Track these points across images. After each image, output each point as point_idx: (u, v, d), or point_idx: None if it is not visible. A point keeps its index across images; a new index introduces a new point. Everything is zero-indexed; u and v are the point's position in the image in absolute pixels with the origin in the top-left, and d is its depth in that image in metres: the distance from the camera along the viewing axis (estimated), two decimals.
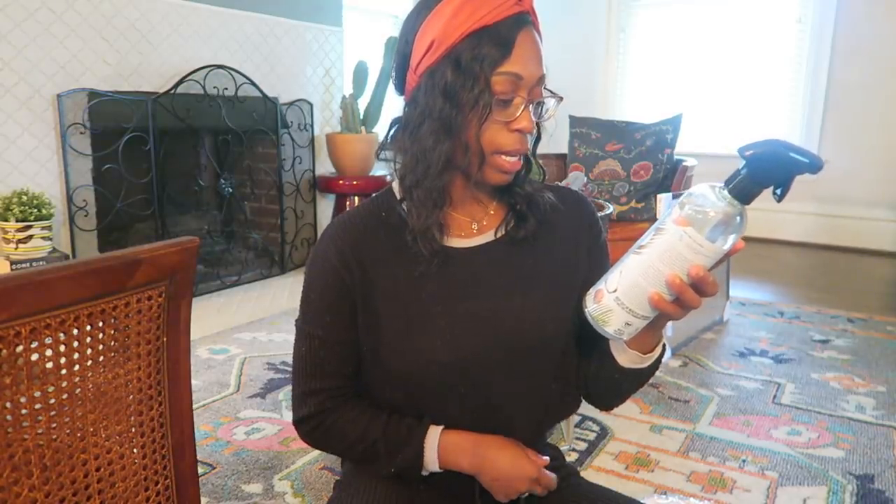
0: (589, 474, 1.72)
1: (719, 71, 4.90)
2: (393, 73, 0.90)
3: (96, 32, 2.80)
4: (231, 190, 3.49)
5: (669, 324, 0.84)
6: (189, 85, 3.09)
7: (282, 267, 3.71)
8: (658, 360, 0.87)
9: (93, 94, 2.77)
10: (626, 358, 0.85)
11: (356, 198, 3.82)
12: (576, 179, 2.79)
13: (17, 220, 2.49)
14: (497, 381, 0.87)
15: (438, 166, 0.83)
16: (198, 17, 3.19)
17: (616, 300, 0.73)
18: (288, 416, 2.04)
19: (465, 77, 0.79)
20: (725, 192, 0.68)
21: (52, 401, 0.65)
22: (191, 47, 3.16)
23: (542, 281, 0.90)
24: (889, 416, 2.08)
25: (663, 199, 2.52)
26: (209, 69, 3.16)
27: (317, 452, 1.82)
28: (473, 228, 0.91)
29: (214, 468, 1.74)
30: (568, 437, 1.87)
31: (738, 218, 0.68)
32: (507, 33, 0.79)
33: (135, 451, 0.75)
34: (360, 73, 3.81)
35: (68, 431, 0.67)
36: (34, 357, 0.62)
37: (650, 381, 0.92)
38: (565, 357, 0.92)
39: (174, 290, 0.75)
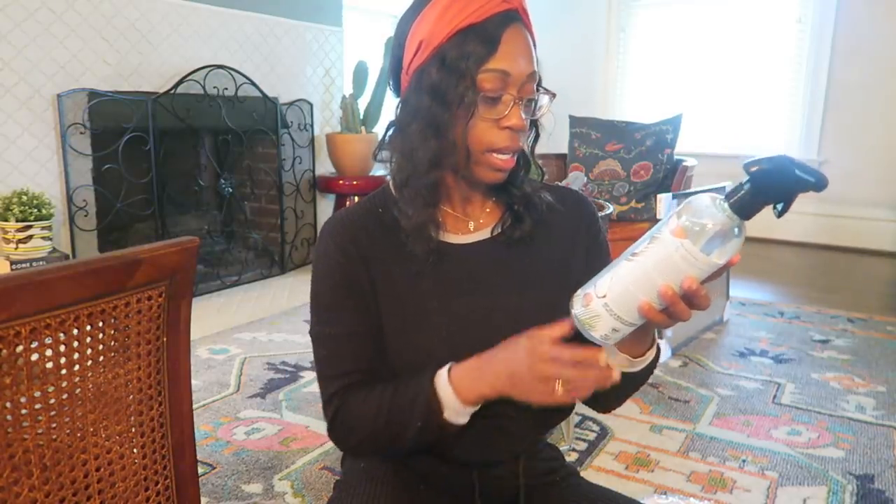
0: (589, 474, 1.72)
1: (719, 71, 4.90)
2: (389, 75, 0.91)
3: (96, 32, 2.80)
4: (231, 190, 3.49)
5: None
6: (189, 85, 3.09)
7: (282, 267, 3.71)
8: (652, 364, 0.86)
9: (93, 94, 2.77)
10: (617, 361, 0.84)
11: (356, 198, 3.82)
12: (576, 179, 2.79)
13: (17, 220, 2.49)
14: None
15: (425, 164, 0.83)
16: (198, 17, 3.19)
17: (605, 306, 0.71)
18: (288, 416, 2.04)
19: (450, 75, 0.80)
20: (726, 206, 0.66)
21: (52, 401, 0.65)
22: (191, 47, 3.16)
23: (539, 281, 0.90)
24: (889, 416, 2.08)
25: (663, 199, 2.52)
26: (209, 69, 3.16)
27: (316, 452, 1.82)
28: (470, 227, 0.92)
29: (214, 468, 1.74)
30: (568, 437, 1.87)
31: (737, 233, 0.67)
32: (494, 30, 0.79)
33: (135, 451, 0.75)
34: (360, 73, 3.81)
35: (68, 431, 0.67)
36: (34, 357, 0.62)
37: (650, 381, 0.91)
38: None
39: (174, 290, 0.75)
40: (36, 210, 2.52)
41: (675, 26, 5.06)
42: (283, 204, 3.68)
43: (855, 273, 4.11)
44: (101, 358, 0.69)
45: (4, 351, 0.60)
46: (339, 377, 0.87)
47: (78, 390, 0.67)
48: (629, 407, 2.10)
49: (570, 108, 3.90)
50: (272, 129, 3.54)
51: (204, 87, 3.15)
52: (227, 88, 3.27)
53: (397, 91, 0.89)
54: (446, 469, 0.93)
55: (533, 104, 0.85)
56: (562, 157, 3.58)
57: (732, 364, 2.50)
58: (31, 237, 2.52)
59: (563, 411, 0.98)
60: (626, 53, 5.34)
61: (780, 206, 0.67)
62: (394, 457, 0.95)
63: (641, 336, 0.81)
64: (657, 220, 0.73)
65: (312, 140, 3.85)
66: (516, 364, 0.76)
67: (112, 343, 0.70)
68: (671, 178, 3.20)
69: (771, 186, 0.65)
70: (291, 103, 3.67)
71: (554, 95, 0.86)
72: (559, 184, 1.05)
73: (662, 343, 2.49)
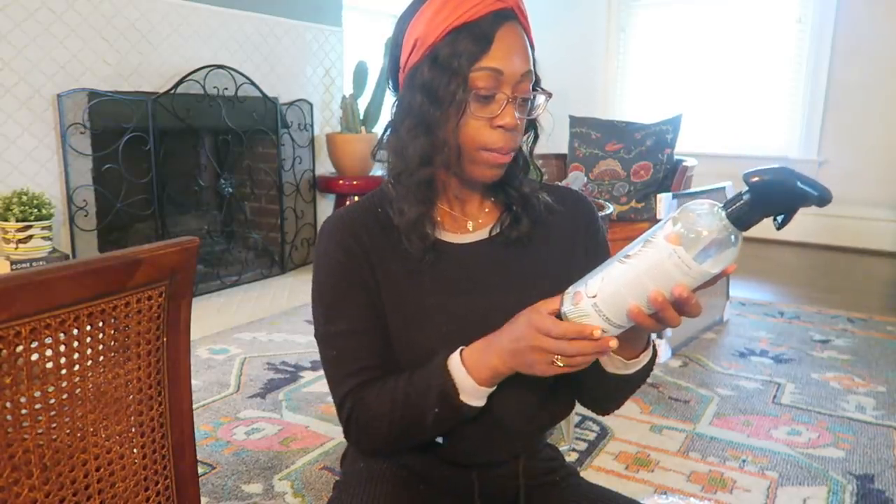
0: (589, 474, 1.72)
1: (719, 71, 4.90)
2: (388, 74, 0.91)
3: (96, 32, 2.80)
4: (231, 190, 3.49)
5: None
6: (189, 85, 3.09)
7: (282, 267, 3.71)
8: (648, 367, 0.85)
9: (93, 94, 2.77)
10: (611, 363, 0.84)
11: (356, 197, 3.82)
12: (576, 179, 2.79)
13: (17, 220, 2.49)
14: None
15: (416, 161, 0.84)
16: (198, 17, 3.19)
17: (594, 306, 0.70)
18: (288, 416, 2.04)
19: (442, 73, 0.80)
20: (723, 215, 0.65)
21: (52, 401, 0.65)
22: (191, 47, 3.16)
23: (537, 281, 0.90)
24: (889, 416, 2.08)
25: (663, 199, 2.52)
26: (209, 69, 3.16)
27: (316, 452, 1.82)
28: (469, 227, 0.92)
29: (214, 468, 1.74)
30: (568, 437, 1.86)
31: (732, 243, 0.65)
32: (487, 29, 0.79)
33: (135, 451, 0.75)
34: (360, 73, 3.81)
35: (68, 431, 0.67)
36: (34, 357, 0.62)
37: (650, 381, 0.90)
38: None
39: (174, 290, 0.75)
40: (36, 210, 2.52)
41: (675, 26, 5.06)
42: (283, 204, 3.68)
43: (855, 273, 4.11)
44: (101, 358, 0.69)
45: (4, 351, 0.60)
46: (351, 376, 0.86)
47: (78, 390, 0.67)
48: (629, 407, 2.10)
49: (570, 108, 3.90)
50: (272, 129, 3.54)
51: (204, 87, 3.15)
52: (227, 88, 3.27)
53: (396, 90, 0.89)
54: (446, 469, 0.93)
55: (528, 104, 0.85)
56: (562, 157, 3.57)
57: (732, 364, 2.50)
58: (31, 237, 2.52)
59: (561, 411, 0.98)
60: (626, 53, 5.34)
61: (780, 219, 0.65)
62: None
63: (635, 338, 0.80)
64: (657, 220, 0.72)
65: (312, 140, 3.85)
66: (517, 338, 0.75)
67: (112, 343, 0.70)
68: (671, 178, 3.20)
69: (771, 198, 0.64)
70: (291, 103, 3.67)
71: (550, 95, 0.86)
72: (559, 184, 1.05)
73: (662, 343, 2.49)
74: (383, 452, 0.95)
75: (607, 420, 2.01)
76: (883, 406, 2.15)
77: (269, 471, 1.73)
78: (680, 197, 2.63)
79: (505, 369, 0.78)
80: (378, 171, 3.90)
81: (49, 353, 0.64)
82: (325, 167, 3.95)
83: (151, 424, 0.77)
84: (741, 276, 3.70)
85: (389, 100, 0.90)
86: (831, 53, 4.51)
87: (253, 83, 3.38)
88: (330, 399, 2.13)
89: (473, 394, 0.80)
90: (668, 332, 2.51)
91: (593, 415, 2.03)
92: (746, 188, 0.64)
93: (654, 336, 0.86)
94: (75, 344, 0.66)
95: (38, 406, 0.64)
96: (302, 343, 2.66)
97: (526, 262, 0.91)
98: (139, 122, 2.89)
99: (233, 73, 3.28)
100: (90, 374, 0.68)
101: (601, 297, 0.70)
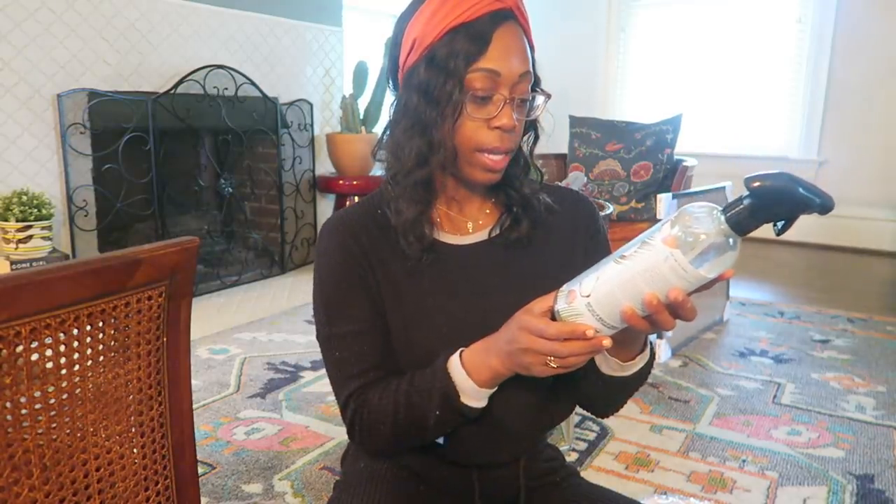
0: (589, 474, 1.72)
1: (719, 71, 4.90)
2: (387, 74, 0.91)
3: (96, 32, 2.80)
4: (231, 190, 3.49)
5: None
6: (189, 85, 3.09)
7: (282, 267, 3.71)
8: (645, 370, 0.85)
9: (93, 94, 2.77)
10: (607, 365, 0.83)
11: (356, 198, 3.82)
12: (576, 179, 2.79)
13: (17, 220, 2.49)
14: None
15: (412, 162, 0.84)
16: (198, 17, 3.19)
17: (587, 305, 0.69)
18: (288, 416, 2.04)
19: (438, 74, 0.80)
20: (722, 219, 0.63)
21: (52, 401, 0.65)
22: (191, 47, 3.16)
23: (537, 282, 0.90)
24: (889, 416, 2.08)
25: (663, 199, 2.52)
26: (209, 69, 3.16)
27: (316, 452, 1.82)
28: (468, 227, 0.92)
29: (214, 468, 1.74)
30: (568, 437, 1.87)
31: (730, 248, 0.64)
32: (485, 29, 0.79)
33: (135, 451, 0.75)
34: (360, 73, 3.81)
35: (68, 431, 0.67)
36: (34, 357, 0.62)
37: (650, 381, 0.90)
38: None
39: (174, 290, 0.75)
40: (36, 210, 2.52)
41: (675, 26, 5.06)
42: (283, 204, 3.68)
43: (855, 273, 4.11)
44: (101, 358, 0.69)
45: (4, 351, 0.60)
46: (353, 378, 0.86)
47: (78, 390, 0.67)
48: (629, 407, 2.10)
49: (570, 108, 3.90)
50: (272, 129, 3.54)
51: (204, 87, 3.15)
52: (227, 88, 3.27)
53: (396, 90, 0.89)
54: (447, 470, 0.93)
55: (527, 104, 0.84)
56: (562, 157, 3.57)
57: (732, 364, 2.50)
58: (31, 237, 2.52)
59: (561, 412, 0.98)
60: (626, 53, 5.34)
61: (779, 225, 0.64)
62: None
63: (631, 340, 0.80)
64: (657, 221, 0.70)
65: (312, 140, 3.85)
66: (510, 340, 0.75)
67: (112, 343, 0.70)
68: (671, 178, 3.20)
69: (772, 204, 0.62)
70: (291, 103, 3.67)
71: (549, 96, 0.85)
72: (559, 184, 1.05)
73: (662, 343, 2.49)
74: (386, 453, 0.95)
75: (607, 420, 2.01)
76: (883, 406, 2.15)
77: (269, 471, 1.73)
78: (680, 197, 2.63)
79: (504, 370, 0.78)
80: (378, 171, 3.90)
81: (49, 353, 0.64)
82: (325, 167, 3.95)
83: (151, 424, 0.77)
84: (741, 276, 3.70)
85: (389, 100, 0.90)
86: (831, 53, 4.52)
87: (253, 83, 3.38)
88: (330, 399, 2.14)
89: (474, 395, 0.80)
90: (668, 332, 2.50)
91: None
92: (747, 192, 0.63)
93: (653, 336, 0.86)
94: (75, 344, 0.66)
95: (38, 406, 0.64)
96: (302, 343, 2.66)
97: (526, 263, 0.91)
98: (139, 122, 2.89)
99: (233, 73, 3.28)
100: (90, 374, 0.68)
101: (595, 297, 0.69)
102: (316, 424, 1.99)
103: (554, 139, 4.03)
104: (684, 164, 3.22)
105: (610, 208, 2.29)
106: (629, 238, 0.71)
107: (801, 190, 0.61)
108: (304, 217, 3.85)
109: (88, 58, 2.78)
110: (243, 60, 3.40)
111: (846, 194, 4.43)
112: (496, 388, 0.81)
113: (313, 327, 0.92)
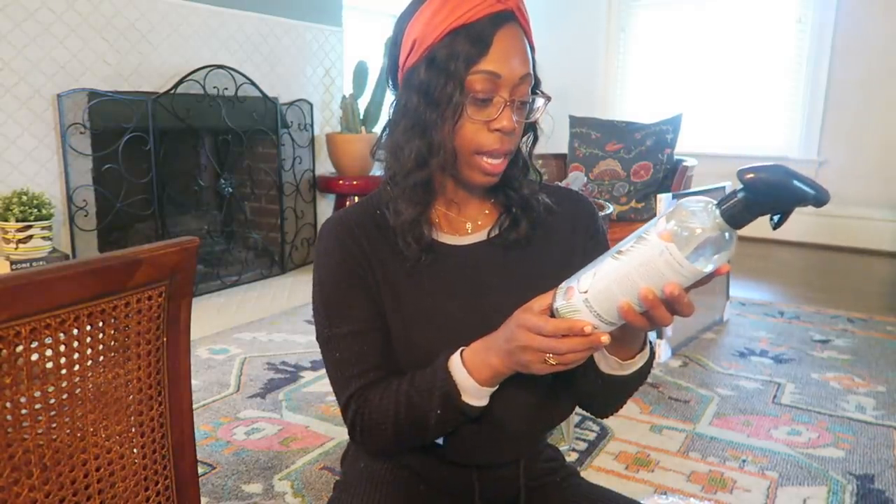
0: (589, 474, 1.72)
1: (719, 71, 4.90)
2: (387, 74, 0.91)
3: (96, 32, 2.80)
4: (231, 190, 3.49)
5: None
6: (189, 85, 3.09)
7: (282, 267, 3.71)
8: (644, 369, 0.84)
9: (93, 94, 2.77)
10: (606, 364, 0.83)
11: (356, 198, 3.82)
12: (576, 179, 2.79)
13: (17, 220, 2.49)
14: None
15: (411, 163, 0.83)
16: (198, 17, 3.19)
17: (585, 301, 0.69)
18: (288, 416, 2.04)
19: (438, 75, 0.79)
20: (717, 213, 0.63)
21: (52, 401, 0.65)
22: (191, 47, 3.16)
23: (537, 283, 0.90)
24: (889, 416, 2.08)
25: (663, 199, 2.52)
26: (209, 69, 3.16)
27: (316, 452, 1.82)
28: (467, 228, 0.92)
29: (214, 468, 1.74)
30: (568, 437, 1.87)
31: (726, 242, 0.63)
32: (485, 31, 0.78)
33: (135, 451, 0.75)
34: (360, 73, 3.81)
35: (68, 431, 0.67)
36: (34, 357, 0.62)
37: (650, 381, 0.90)
38: None
39: (174, 290, 0.75)
40: (36, 210, 2.52)
41: (675, 26, 5.06)
42: (283, 204, 3.68)
43: (855, 273, 4.11)
44: (101, 358, 0.69)
45: (4, 351, 0.60)
46: (354, 378, 0.86)
47: (78, 390, 0.67)
48: (629, 407, 2.10)
49: (570, 108, 3.90)
50: (272, 129, 3.54)
51: (204, 87, 3.15)
52: (227, 88, 3.27)
53: (396, 90, 0.89)
54: (447, 470, 0.93)
55: (527, 107, 0.84)
56: (562, 157, 3.58)
57: (732, 364, 2.50)
58: (31, 237, 2.52)
59: (560, 412, 0.98)
60: (626, 53, 5.34)
61: (776, 218, 0.64)
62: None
63: (631, 338, 0.80)
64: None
65: (312, 140, 3.85)
66: (509, 338, 0.75)
67: (112, 343, 0.70)
68: (671, 178, 3.21)
69: (766, 197, 0.62)
70: (291, 103, 3.67)
71: (549, 99, 0.85)
72: (559, 184, 1.05)
73: (662, 343, 2.49)
74: (388, 453, 0.95)
75: (607, 420, 2.01)
76: (883, 406, 2.15)
77: (269, 471, 1.73)
78: (680, 197, 2.63)
79: (504, 369, 0.78)
80: (378, 171, 3.90)
81: (49, 353, 0.64)
82: (325, 167, 3.95)
83: (151, 424, 0.77)
84: (741, 276, 3.70)
85: (389, 100, 0.90)
86: (831, 53, 4.52)
87: (253, 83, 3.38)
88: (330, 399, 2.14)
89: (475, 394, 0.80)
90: (668, 331, 2.50)
91: None
92: (741, 186, 0.63)
93: (653, 336, 0.86)
94: (75, 344, 0.66)
95: (38, 406, 0.64)
96: (302, 343, 2.66)
97: (525, 264, 0.91)
98: (139, 122, 2.89)
99: (233, 73, 3.28)
100: (90, 374, 0.68)
101: (592, 293, 0.69)
102: (316, 424, 1.99)
103: (554, 139, 4.03)
104: (684, 164, 3.23)
105: (610, 208, 2.29)
106: None
107: (795, 182, 0.61)
108: (304, 217, 3.85)
109: (88, 58, 2.78)
110: (243, 60, 3.40)
111: (846, 194, 4.43)
112: (497, 388, 0.81)
113: (313, 327, 0.92)
